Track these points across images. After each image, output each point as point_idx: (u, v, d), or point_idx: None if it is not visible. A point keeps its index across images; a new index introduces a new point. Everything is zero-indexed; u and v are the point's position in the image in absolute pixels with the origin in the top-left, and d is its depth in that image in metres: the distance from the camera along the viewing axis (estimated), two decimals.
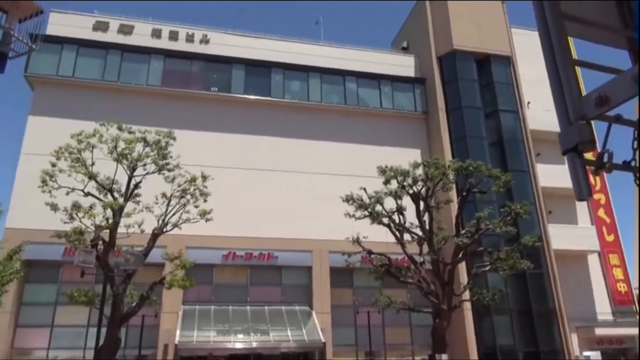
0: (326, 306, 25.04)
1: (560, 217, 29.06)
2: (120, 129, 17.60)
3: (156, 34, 27.98)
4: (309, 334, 23.55)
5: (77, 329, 22.19)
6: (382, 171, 20.17)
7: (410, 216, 20.34)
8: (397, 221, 20.30)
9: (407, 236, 20.44)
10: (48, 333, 22.44)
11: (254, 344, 22.70)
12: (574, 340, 26.64)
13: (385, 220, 20.22)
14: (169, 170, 18.02)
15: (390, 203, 20.36)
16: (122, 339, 17.68)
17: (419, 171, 20.40)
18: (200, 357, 22.24)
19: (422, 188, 20.22)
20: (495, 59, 30.81)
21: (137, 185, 17.48)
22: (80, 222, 16.49)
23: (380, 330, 24.63)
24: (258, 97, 28.39)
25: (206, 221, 18.15)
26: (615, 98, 2.29)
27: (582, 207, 30.04)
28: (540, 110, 28.76)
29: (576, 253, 28.85)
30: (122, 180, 17.50)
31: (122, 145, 17.22)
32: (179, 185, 18.22)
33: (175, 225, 17.96)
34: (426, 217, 20.19)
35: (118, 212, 16.46)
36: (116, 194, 17.22)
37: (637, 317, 28.38)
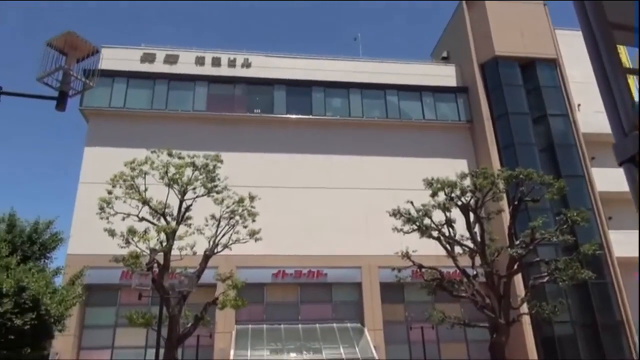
0: (378, 322, 24.71)
1: (621, 223, 27.50)
2: (170, 154, 18.24)
3: (200, 61, 28.99)
4: (362, 351, 23.22)
5: (136, 350, 22.89)
6: (429, 183, 19.87)
7: (460, 228, 19.85)
8: (446, 234, 19.87)
9: (457, 249, 19.95)
10: (109, 354, 23.26)
11: None
12: None
13: (435, 233, 19.82)
14: (217, 192, 18.48)
15: (438, 216, 19.98)
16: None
17: (467, 182, 19.94)
18: None
19: (471, 199, 19.75)
20: (541, 62, 29.96)
21: (188, 209, 17.99)
22: (136, 246, 17.03)
23: (435, 347, 24.03)
24: (300, 116, 28.79)
25: (255, 241, 18.40)
26: None
27: None
28: (591, 113, 27.62)
29: None
30: (173, 204, 18.04)
31: (172, 170, 17.81)
32: (228, 207, 18.60)
33: (225, 246, 18.30)
34: (477, 229, 19.67)
35: (171, 235, 16.99)
36: (169, 218, 17.73)
37: None
